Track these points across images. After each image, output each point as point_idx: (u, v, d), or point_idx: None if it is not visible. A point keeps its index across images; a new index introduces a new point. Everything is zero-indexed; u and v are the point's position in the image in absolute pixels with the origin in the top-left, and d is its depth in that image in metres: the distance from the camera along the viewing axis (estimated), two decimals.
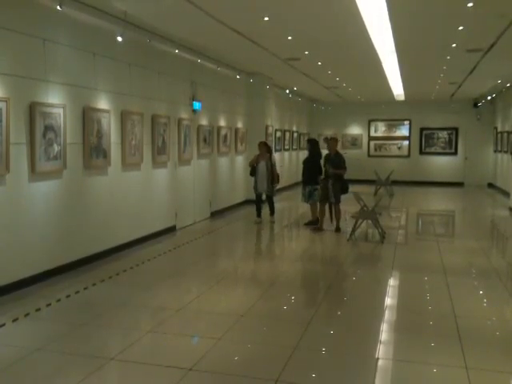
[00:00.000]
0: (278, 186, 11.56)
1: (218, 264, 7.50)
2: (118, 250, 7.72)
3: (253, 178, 10.80)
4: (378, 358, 4.16)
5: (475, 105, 19.41)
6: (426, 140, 20.59)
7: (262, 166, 10.55)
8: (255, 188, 10.68)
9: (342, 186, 9.73)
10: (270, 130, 14.68)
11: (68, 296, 5.69)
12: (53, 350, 4.27)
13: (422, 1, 6.59)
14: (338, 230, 9.68)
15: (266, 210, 10.92)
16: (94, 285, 6.15)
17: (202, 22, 7.44)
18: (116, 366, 4.00)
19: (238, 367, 4.04)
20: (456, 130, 20.12)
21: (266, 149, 10.70)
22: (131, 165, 8.09)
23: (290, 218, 12.39)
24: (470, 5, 6.48)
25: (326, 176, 9.73)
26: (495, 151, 18.15)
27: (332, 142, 10.31)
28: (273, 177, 10.58)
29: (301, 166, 10.70)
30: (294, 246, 9.33)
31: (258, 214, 10.70)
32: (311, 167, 10.10)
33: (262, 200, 10.81)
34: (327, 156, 9.95)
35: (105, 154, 7.31)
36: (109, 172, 7.52)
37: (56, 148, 6.27)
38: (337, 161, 9.73)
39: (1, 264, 5.56)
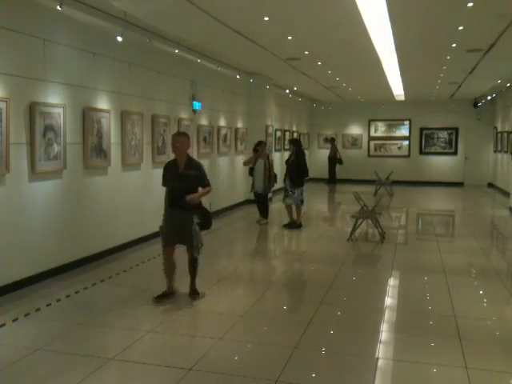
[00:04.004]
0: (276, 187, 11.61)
1: (218, 264, 7.49)
2: (118, 249, 7.72)
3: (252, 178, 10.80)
4: (377, 358, 4.16)
5: (475, 105, 19.39)
6: (425, 140, 20.58)
7: (260, 166, 10.54)
8: (252, 187, 10.69)
9: (203, 220, 5.61)
10: (270, 130, 14.68)
11: (68, 296, 5.69)
12: (53, 349, 4.27)
13: (421, 1, 6.59)
14: (192, 292, 5.62)
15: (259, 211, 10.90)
16: (93, 285, 6.15)
17: (202, 22, 7.44)
18: (116, 365, 4.00)
19: (238, 367, 4.04)
20: (456, 129, 20.12)
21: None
22: (131, 165, 8.09)
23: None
24: (470, 5, 6.47)
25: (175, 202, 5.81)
26: (495, 151, 18.15)
27: (181, 139, 5.66)
28: (270, 176, 10.52)
29: None
30: (294, 246, 9.33)
31: (261, 214, 10.69)
32: (297, 169, 10.03)
33: (265, 199, 10.76)
34: (173, 166, 5.85)
35: (105, 154, 7.31)
36: (109, 172, 7.52)
37: (56, 148, 6.27)
38: (193, 174, 5.63)
39: (1, 264, 5.57)
